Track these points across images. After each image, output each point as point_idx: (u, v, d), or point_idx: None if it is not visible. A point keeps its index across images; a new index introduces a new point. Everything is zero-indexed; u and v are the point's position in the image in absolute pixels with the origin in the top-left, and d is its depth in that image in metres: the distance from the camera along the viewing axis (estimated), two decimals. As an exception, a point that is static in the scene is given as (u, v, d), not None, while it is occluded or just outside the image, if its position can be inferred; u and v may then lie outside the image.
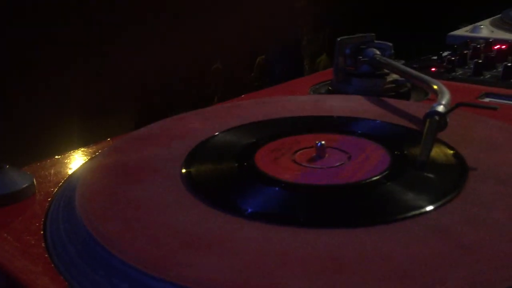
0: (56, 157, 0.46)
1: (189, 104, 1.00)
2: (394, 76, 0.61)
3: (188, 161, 0.40)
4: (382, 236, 0.29)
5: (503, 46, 0.83)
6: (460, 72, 0.72)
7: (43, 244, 0.32)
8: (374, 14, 1.30)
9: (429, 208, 0.32)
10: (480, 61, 0.71)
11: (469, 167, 0.38)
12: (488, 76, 0.70)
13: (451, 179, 0.36)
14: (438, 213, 0.32)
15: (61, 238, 0.32)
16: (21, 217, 0.36)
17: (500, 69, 0.71)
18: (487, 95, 0.61)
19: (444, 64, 0.74)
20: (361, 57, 0.61)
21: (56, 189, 0.40)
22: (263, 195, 0.35)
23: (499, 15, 1.07)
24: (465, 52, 0.76)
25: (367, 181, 0.36)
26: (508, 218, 0.31)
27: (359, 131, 0.45)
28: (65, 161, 0.45)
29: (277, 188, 0.36)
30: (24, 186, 0.39)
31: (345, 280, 0.25)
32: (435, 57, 0.79)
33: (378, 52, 0.60)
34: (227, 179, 0.38)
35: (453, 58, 0.73)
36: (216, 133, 0.46)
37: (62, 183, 0.41)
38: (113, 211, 0.33)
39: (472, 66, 0.71)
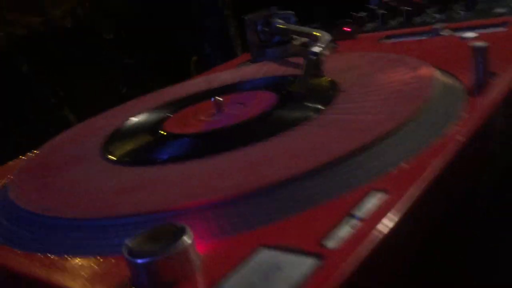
0: None
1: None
2: (303, 40, 0.67)
3: (106, 143, 0.46)
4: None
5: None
6: (370, 25, 0.78)
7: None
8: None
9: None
10: (385, 12, 0.77)
11: (340, 89, 0.44)
12: (394, 23, 0.76)
13: (326, 97, 0.43)
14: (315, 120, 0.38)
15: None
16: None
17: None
18: (388, 37, 0.68)
19: (356, 23, 0.80)
20: (268, 29, 0.67)
21: None
22: (175, 146, 0.42)
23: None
24: (373, 8, 0.82)
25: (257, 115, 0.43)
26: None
27: (249, 87, 0.52)
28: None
29: (187, 139, 0.42)
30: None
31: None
32: (349, 20, 0.85)
33: (280, 21, 0.67)
34: (139, 145, 0.44)
35: (362, 16, 0.80)
36: (128, 119, 0.52)
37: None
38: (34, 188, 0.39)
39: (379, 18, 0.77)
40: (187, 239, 0.25)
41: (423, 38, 0.62)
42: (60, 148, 0.49)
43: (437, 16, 0.73)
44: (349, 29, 0.80)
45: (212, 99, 0.47)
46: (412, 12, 0.74)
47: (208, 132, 0.43)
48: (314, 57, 0.48)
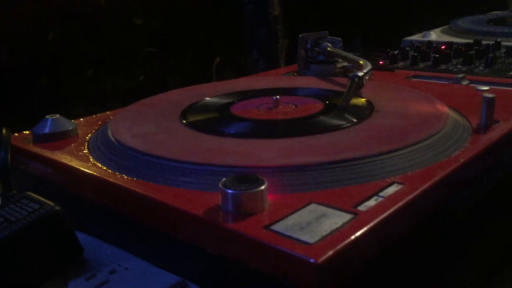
0: (93, 116, 0.64)
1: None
2: (343, 64, 0.80)
3: (185, 112, 0.58)
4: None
5: (442, 46, 1.01)
6: (401, 63, 0.90)
7: (86, 152, 0.50)
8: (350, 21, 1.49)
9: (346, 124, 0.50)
10: (416, 54, 0.89)
11: (375, 109, 0.56)
12: (423, 65, 0.88)
13: (362, 113, 0.55)
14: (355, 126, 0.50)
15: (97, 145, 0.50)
16: (72, 143, 0.54)
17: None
18: (415, 76, 0.80)
19: (389, 59, 0.92)
20: (317, 48, 0.79)
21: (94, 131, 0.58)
22: (236, 126, 0.54)
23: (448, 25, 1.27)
24: (406, 49, 0.95)
25: (303, 116, 0.55)
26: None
27: (302, 94, 0.64)
28: (97, 118, 0.63)
29: (247, 122, 0.54)
30: (72, 128, 0.57)
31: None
32: (384, 54, 0.97)
33: (330, 45, 0.79)
34: (212, 121, 0.56)
35: (395, 53, 0.92)
36: (206, 98, 0.64)
37: (98, 129, 0.59)
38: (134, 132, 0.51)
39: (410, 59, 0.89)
40: (263, 186, 0.36)
41: (445, 83, 0.74)
42: (145, 109, 0.61)
43: (460, 67, 0.85)
44: (382, 63, 0.93)
45: (274, 97, 0.58)
46: (439, 59, 0.86)
47: (267, 120, 0.55)
48: (357, 79, 0.60)
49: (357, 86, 0.60)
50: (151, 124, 0.55)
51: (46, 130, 0.55)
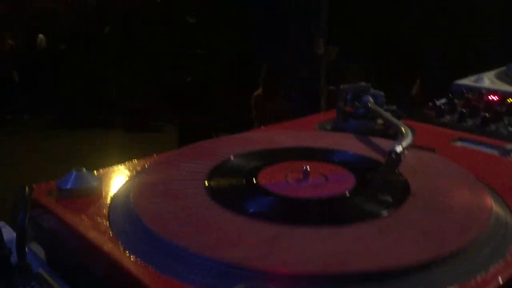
0: (118, 165, 0.63)
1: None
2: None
3: (211, 176, 0.56)
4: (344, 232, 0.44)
5: (495, 98, 0.95)
6: (448, 118, 0.85)
7: (105, 222, 0.49)
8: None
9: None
10: (464, 110, 0.84)
11: (411, 193, 0.52)
12: (471, 123, 0.83)
13: (393, 200, 0.51)
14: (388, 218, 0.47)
15: (118, 218, 0.49)
16: (93, 205, 0.53)
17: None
18: (461, 140, 0.75)
19: (435, 110, 0.88)
20: (357, 103, 0.76)
21: (117, 190, 0.57)
22: (260, 202, 0.51)
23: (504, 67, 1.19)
24: (455, 101, 0.90)
25: (332, 196, 0.52)
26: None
27: (337, 160, 0.60)
28: (125, 169, 0.62)
29: (272, 197, 0.51)
30: (96, 184, 0.56)
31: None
32: (430, 104, 0.92)
33: (371, 100, 0.75)
34: (236, 190, 0.54)
35: (442, 107, 0.87)
36: (231, 157, 0.62)
37: (121, 186, 0.57)
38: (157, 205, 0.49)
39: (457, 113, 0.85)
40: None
41: (494, 152, 0.69)
42: (170, 169, 0.59)
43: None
44: (427, 113, 0.88)
45: (304, 167, 0.55)
46: (488, 119, 0.81)
47: (295, 198, 0.52)
48: (394, 156, 0.56)
49: (394, 163, 0.56)
50: (174, 198, 0.52)
51: (69, 186, 0.54)
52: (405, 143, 0.59)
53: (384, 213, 0.48)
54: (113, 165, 0.62)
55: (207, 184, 0.54)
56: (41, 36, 8.06)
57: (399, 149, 0.57)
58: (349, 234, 0.44)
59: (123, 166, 0.62)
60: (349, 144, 0.67)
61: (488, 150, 0.70)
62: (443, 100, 0.96)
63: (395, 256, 0.41)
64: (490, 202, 0.51)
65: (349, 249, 0.42)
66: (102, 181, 0.57)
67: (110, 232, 0.47)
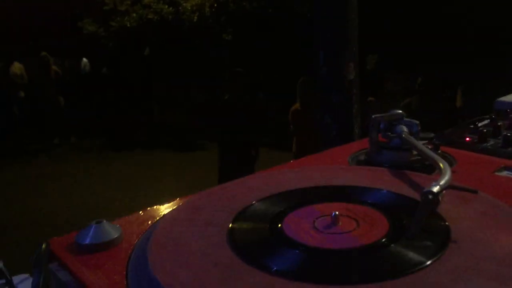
0: (140, 212, 0.61)
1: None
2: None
3: (233, 227, 0.53)
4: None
5: (544, 116, 0.89)
6: (492, 143, 0.79)
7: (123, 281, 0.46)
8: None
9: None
10: (509, 134, 0.78)
11: (451, 239, 0.47)
12: (517, 148, 0.77)
13: (431, 250, 0.46)
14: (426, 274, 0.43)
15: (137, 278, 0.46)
16: (111, 260, 0.51)
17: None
18: (507, 168, 0.69)
19: (478, 134, 0.82)
20: (390, 133, 0.71)
21: (137, 240, 0.55)
22: (287, 256, 0.47)
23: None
24: (499, 124, 0.83)
25: (361, 247, 0.48)
26: None
27: (369, 201, 0.56)
28: (146, 215, 0.60)
29: (297, 251, 0.48)
30: (115, 237, 0.54)
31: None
32: (472, 126, 0.86)
33: (405, 129, 0.70)
34: (260, 241, 0.50)
35: (485, 130, 0.81)
36: (254, 202, 0.58)
37: (141, 236, 0.55)
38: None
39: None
40: None
41: (543, 183, 0.63)
42: (188, 222, 0.56)
43: None
44: (469, 139, 0.82)
45: (333, 214, 0.52)
46: (537, 143, 0.75)
47: (320, 249, 0.48)
48: (431, 197, 0.51)
49: (431, 205, 0.52)
50: (195, 256, 0.48)
51: (87, 241, 0.53)
52: (443, 182, 0.54)
53: (422, 265, 0.44)
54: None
55: (230, 238, 0.51)
56: (85, 60, 8.32)
57: (436, 189, 0.52)
58: None
59: (143, 213, 0.60)
60: (384, 180, 0.63)
61: (537, 180, 0.64)
62: (485, 122, 0.90)
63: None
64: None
65: None
66: (122, 232, 0.55)
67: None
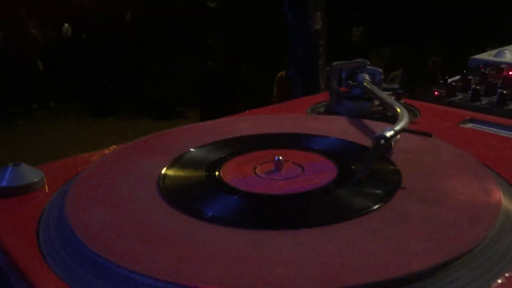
0: (68, 158, 0.55)
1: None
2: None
3: (165, 172, 0.48)
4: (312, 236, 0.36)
5: (515, 73, 0.84)
6: (460, 96, 0.75)
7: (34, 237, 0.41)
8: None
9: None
10: (478, 87, 0.73)
11: (401, 186, 0.43)
12: (485, 102, 0.72)
13: (377, 195, 0.42)
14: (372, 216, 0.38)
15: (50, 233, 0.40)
16: (27, 205, 0.45)
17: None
18: (472, 121, 0.65)
19: (446, 89, 0.77)
20: (350, 81, 0.66)
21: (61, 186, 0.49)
22: (223, 203, 0.42)
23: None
24: (469, 78, 0.79)
25: (304, 192, 0.43)
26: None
27: (317, 147, 0.52)
28: (75, 161, 0.55)
29: (235, 197, 0.43)
30: (35, 181, 0.48)
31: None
32: (441, 81, 0.82)
33: (367, 77, 0.65)
34: (194, 187, 0.46)
35: (453, 84, 0.77)
36: (191, 149, 0.53)
37: (62, 187, 0.49)
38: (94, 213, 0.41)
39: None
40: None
41: (508, 134, 0.59)
42: (118, 167, 0.51)
43: (533, 108, 0.69)
44: (438, 93, 0.78)
45: (276, 158, 0.47)
46: (505, 96, 0.71)
47: (262, 194, 0.43)
48: (383, 142, 0.47)
49: (382, 150, 0.47)
50: (120, 206, 0.43)
51: (3, 183, 0.47)
52: (398, 126, 0.50)
53: (372, 208, 0.39)
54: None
55: (161, 185, 0.46)
56: (66, 25, 8.09)
57: (389, 133, 0.48)
58: (336, 238, 0.36)
59: (73, 159, 0.55)
60: (335, 128, 0.58)
61: (504, 133, 0.60)
62: (456, 78, 0.85)
63: (397, 262, 0.32)
64: (499, 194, 0.41)
65: (341, 258, 0.34)
66: (44, 177, 0.49)
67: (40, 250, 0.39)
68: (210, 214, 0.40)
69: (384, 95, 0.60)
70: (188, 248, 0.35)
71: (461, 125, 0.63)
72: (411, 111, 0.69)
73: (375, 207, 0.40)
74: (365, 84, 0.64)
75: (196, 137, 0.57)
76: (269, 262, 0.33)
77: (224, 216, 0.40)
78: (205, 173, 0.47)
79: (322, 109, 0.72)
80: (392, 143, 0.47)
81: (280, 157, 0.47)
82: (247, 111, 0.71)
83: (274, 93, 3.11)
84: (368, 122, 0.60)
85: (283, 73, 3.11)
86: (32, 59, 6.00)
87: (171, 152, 0.52)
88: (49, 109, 6.00)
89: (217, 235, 0.37)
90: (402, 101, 0.66)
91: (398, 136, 0.49)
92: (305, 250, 0.34)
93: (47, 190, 0.49)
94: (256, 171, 0.48)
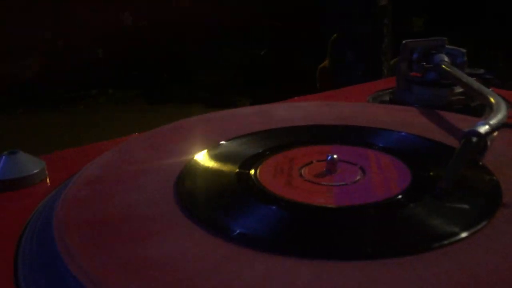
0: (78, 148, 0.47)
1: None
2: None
3: (183, 176, 0.36)
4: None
5: None
6: None
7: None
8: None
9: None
10: None
11: (502, 203, 0.31)
12: None
13: (468, 216, 0.30)
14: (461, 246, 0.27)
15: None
16: (24, 201, 0.37)
17: None
18: None
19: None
20: (425, 63, 0.54)
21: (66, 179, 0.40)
22: (260, 216, 0.32)
23: None
24: None
25: (365, 205, 0.32)
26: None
27: (383, 145, 0.40)
28: (87, 151, 0.46)
29: (274, 207, 0.32)
30: (34, 172, 0.40)
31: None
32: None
33: (446, 59, 0.53)
34: (222, 198, 0.35)
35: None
36: (221, 142, 0.43)
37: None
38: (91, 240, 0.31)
39: None
40: None
41: None
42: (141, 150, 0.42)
43: None
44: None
45: (329, 157, 0.36)
46: None
47: (305, 206, 0.32)
48: (476, 139, 0.35)
49: (474, 150, 0.35)
50: (120, 211, 0.33)
51: (-5, 176, 0.39)
52: (494, 121, 0.37)
53: (460, 235, 0.28)
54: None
55: (177, 187, 0.35)
56: (126, 13, 8.23)
57: (483, 129, 0.36)
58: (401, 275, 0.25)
59: (83, 149, 0.46)
60: (405, 121, 0.46)
61: None
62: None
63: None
64: None
65: None
66: (45, 168, 0.41)
67: (15, 266, 0.30)
68: (238, 231, 0.29)
69: (471, 80, 0.48)
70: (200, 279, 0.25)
71: None
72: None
73: (464, 234, 0.28)
74: (443, 66, 0.52)
75: (224, 128, 0.46)
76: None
77: (257, 236, 0.29)
78: (236, 173, 0.37)
79: (387, 98, 0.60)
80: (488, 143, 0.35)
81: (335, 156, 0.36)
82: (295, 97, 0.60)
83: (317, 86, 2.97)
84: (447, 114, 0.48)
85: (326, 63, 2.95)
86: (92, 46, 6.11)
87: (196, 145, 0.42)
88: (107, 95, 6.10)
89: (246, 262, 0.27)
90: (492, 89, 0.53)
91: (496, 134, 0.37)
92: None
93: (48, 184, 0.40)
94: (302, 172, 0.37)
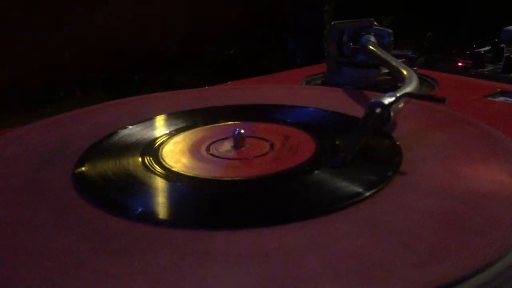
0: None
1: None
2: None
3: (83, 159, 0.35)
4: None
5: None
6: (490, 68, 0.62)
7: None
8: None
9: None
10: (512, 56, 0.60)
11: (399, 170, 0.31)
12: (522, 74, 0.59)
13: (375, 176, 0.30)
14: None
15: None
16: None
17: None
18: (503, 93, 0.52)
19: (474, 59, 0.64)
20: (351, 44, 0.54)
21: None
22: (165, 193, 0.31)
23: None
24: (501, 46, 0.66)
25: (269, 175, 0.31)
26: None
27: (290, 120, 0.40)
28: None
29: (177, 184, 0.31)
30: None
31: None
32: (468, 52, 0.69)
33: (372, 39, 0.53)
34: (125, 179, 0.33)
35: (482, 53, 0.64)
36: (127, 126, 0.41)
37: None
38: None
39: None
40: None
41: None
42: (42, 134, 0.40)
43: None
44: (462, 64, 0.65)
45: (236, 131, 0.35)
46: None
47: (201, 179, 0.32)
48: (379, 110, 0.35)
49: (378, 121, 0.35)
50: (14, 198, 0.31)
51: None
52: (401, 92, 0.37)
53: (353, 200, 0.27)
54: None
55: (76, 171, 0.34)
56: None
57: (388, 100, 0.36)
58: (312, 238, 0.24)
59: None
60: (328, 99, 0.46)
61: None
62: (485, 48, 0.72)
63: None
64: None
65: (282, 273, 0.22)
66: None
67: None
68: (140, 209, 0.28)
69: (390, 57, 0.48)
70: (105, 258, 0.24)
71: (490, 98, 0.50)
72: (428, 82, 0.56)
73: (358, 198, 0.28)
74: (369, 46, 0.52)
75: (137, 112, 0.45)
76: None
77: (160, 212, 0.28)
78: (140, 154, 0.36)
79: (319, 81, 0.60)
80: (392, 114, 0.35)
81: (242, 131, 0.36)
82: (228, 82, 0.60)
83: None
84: (371, 93, 0.48)
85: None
86: (60, 48, 6.02)
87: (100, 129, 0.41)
88: (75, 98, 6.02)
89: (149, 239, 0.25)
90: (415, 69, 0.53)
91: (401, 105, 0.37)
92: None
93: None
94: (211, 149, 0.36)
